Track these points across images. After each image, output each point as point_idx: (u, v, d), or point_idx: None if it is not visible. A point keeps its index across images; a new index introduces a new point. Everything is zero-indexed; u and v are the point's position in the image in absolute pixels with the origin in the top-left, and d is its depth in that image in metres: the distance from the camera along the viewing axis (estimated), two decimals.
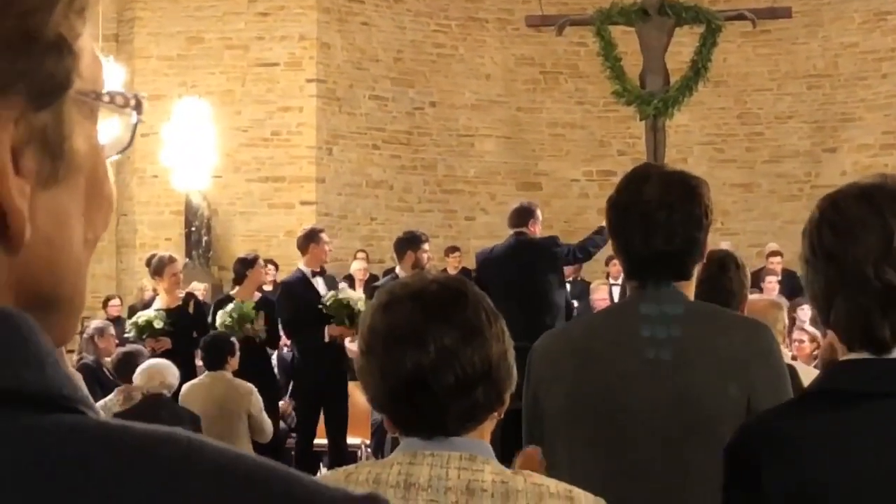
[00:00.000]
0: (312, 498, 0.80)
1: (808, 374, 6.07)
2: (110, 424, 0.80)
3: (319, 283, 12.29)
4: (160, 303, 12.47)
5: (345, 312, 11.81)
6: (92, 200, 0.86)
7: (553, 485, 2.58)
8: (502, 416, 2.65)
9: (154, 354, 11.37)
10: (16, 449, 0.76)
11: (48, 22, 0.82)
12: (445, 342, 2.53)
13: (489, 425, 2.65)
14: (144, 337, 11.87)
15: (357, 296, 12.05)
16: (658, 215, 3.68)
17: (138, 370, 9.60)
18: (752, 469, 2.62)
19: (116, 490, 0.76)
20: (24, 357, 0.78)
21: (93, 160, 0.89)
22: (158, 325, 11.98)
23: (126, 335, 12.12)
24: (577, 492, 2.59)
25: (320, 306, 11.85)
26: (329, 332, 11.90)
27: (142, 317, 12.04)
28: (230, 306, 12.09)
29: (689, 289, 3.78)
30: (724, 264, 5.38)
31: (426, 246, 12.52)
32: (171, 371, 9.50)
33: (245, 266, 12.84)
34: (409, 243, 12.34)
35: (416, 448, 2.58)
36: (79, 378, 9.60)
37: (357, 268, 18.01)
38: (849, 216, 2.56)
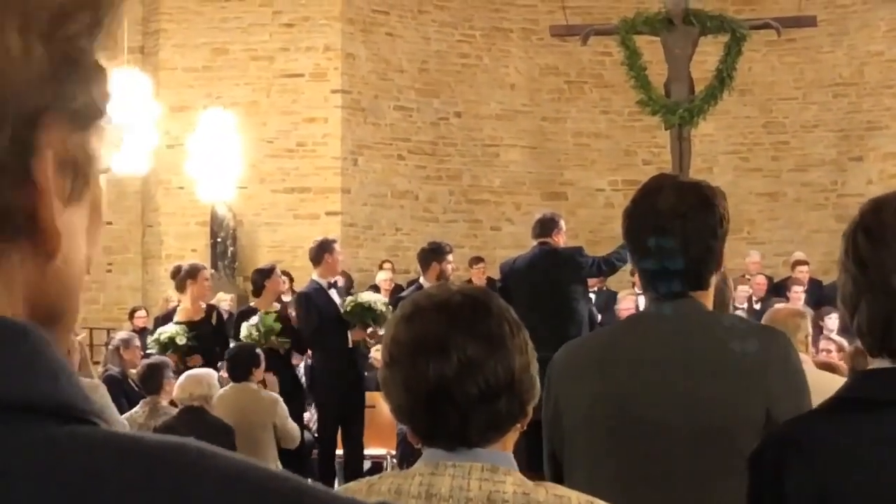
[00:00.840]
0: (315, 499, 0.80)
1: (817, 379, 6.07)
2: (122, 435, 0.81)
3: (334, 295, 12.30)
4: (180, 315, 12.48)
5: (367, 315, 11.84)
6: (94, 220, 0.87)
7: (575, 497, 2.57)
8: (526, 427, 2.65)
9: (176, 370, 11.44)
10: (31, 459, 0.76)
11: (91, 49, 0.84)
12: (469, 353, 2.52)
13: (512, 436, 2.64)
14: (168, 353, 11.89)
15: (376, 297, 12.06)
16: (673, 225, 3.69)
17: (178, 382, 9.66)
18: (775, 477, 2.63)
19: (129, 499, 0.77)
20: (38, 370, 0.79)
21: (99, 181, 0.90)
22: (181, 341, 11.99)
23: (148, 351, 12.14)
24: (599, 503, 2.59)
25: (343, 309, 11.87)
26: (352, 336, 11.91)
27: (164, 333, 12.06)
28: (254, 319, 12.09)
29: (707, 298, 3.77)
30: (727, 282, 5.40)
31: (450, 257, 12.54)
32: (209, 382, 9.55)
33: (263, 276, 12.87)
34: (433, 254, 12.36)
35: (438, 459, 2.58)
36: (102, 389, 9.65)
37: (382, 278, 18.06)
38: (885, 223, 2.56)
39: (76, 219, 0.84)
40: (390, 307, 12.51)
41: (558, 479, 3.61)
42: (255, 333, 11.88)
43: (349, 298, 12.03)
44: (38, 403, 0.79)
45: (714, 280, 3.82)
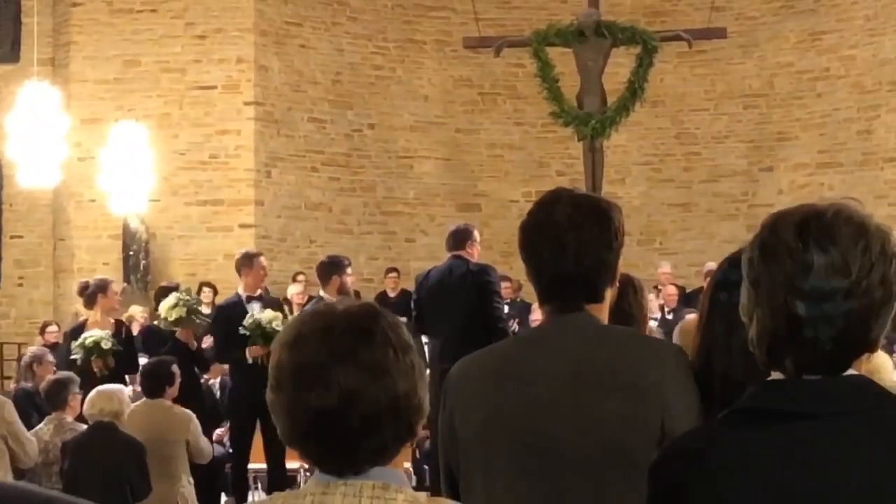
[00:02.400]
0: None
1: None
2: None
3: (255, 307, 12.24)
4: (90, 330, 12.39)
5: (259, 332, 11.82)
6: None
7: None
8: (414, 443, 2.66)
9: (100, 375, 11.37)
10: None
11: None
12: (350, 384, 2.52)
13: (403, 453, 2.64)
14: (94, 357, 11.84)
15: (271, 316, 11.99)
16: (568, 236, 3.70)
17: (88, 397, 9.54)
18: (675, 489, 2.64)
19: None
20: None
21: None
22: (107, 345, 12.00)
23: (73, 356, 12.00)
24: None
25: (242, 327, 11.83)
26: (249, 353, 11.88)
27: (89, 338, 11.99)
28: (173, 297, 12.08)
29: (602, 312, 3.79)
30: (623, 288, 5.41)
31: (349, 270, 12.55)
32: (120, 398, 9.44)
33: (160, 295, 12.87)
34: (333, 268, 12.37)
35: (329, 479, 2.58)
36: (9, 405, 9.55)
37: (294, 291, 17.95)
38: (780, 239, 2.59)
39: None
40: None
41: (454, 491, 3.63)
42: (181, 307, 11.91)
43: (248, 315, 11.96)
44: None
45: (609, 293, 3.82)
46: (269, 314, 11.99)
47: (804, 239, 2.55)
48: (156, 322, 13.53)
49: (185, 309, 12.01)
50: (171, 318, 11.95)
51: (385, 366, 2.55)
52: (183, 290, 12.24)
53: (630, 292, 5.42)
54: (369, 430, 2.55)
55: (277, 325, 11.86)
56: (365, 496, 2.54)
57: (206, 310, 15.06)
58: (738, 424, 2.65)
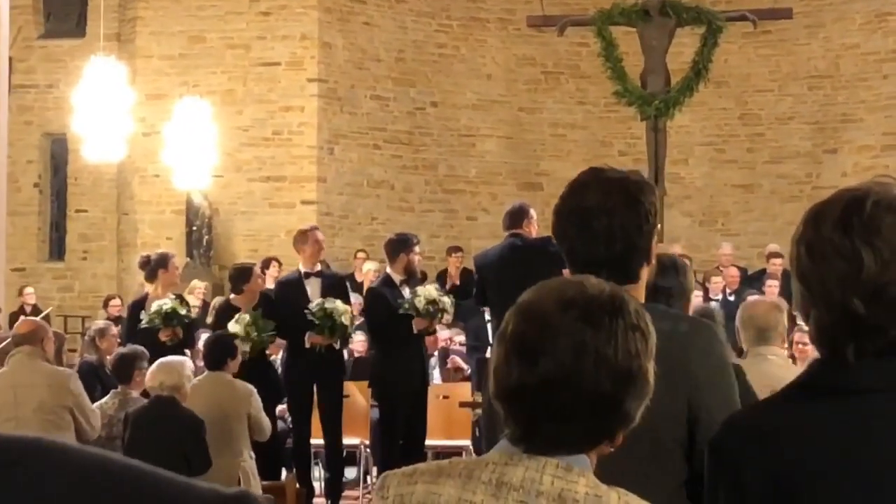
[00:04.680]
0: (184, 495, 0.80)
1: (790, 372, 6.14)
2: None
3: (313, 284, 12.18)
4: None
5: (328, 324, 11.73)
6: None
7: (635, 498, 2.56)
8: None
9: (169, 344, 11.44)
10: None
11: None
12: (555, 367, 2.52)
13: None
14: (174, 324, 11.91)
15: (342, 309, 11.86)
16: (598, 222, 3.72)
17: (151, 369, 9.55)
18: (734, 464, 2.63)
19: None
20: None
21: None
22: (183, 311, 12.07)
23: (146, 324, 12.02)
24: None
25: (310, 312, 11.76)
26: (310, 339, 11.83)
27: (166, 304, 12.02)
28: (245, 318, 11.91)
29: (638, 291, 3.78)
30: (664, 269, 5.41)
31: (417, 248, 12.52)
32: (181, 371, 9.42)
33: (239, 280, 12.71)
34: (401, 245, 12.33)
35: (514, 451, 2.55)
36: (75, 378, 9.61)
37: (370, 268, 17.69)
38: (824, 238, 2.57)
39: None
40: (356, 318, 12.53)
41: None
42: (252, 333, 11.75)
43: (317, 301, 11.83)
44: None
45: (644, 272, 3.83)
46: (340, 305, 11.91)
47: (849, 236, 2.54)
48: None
49: (254, 331, 11.87)
50: (239, 331, 11.82)
51: (601, 361, 2.51)
52: (251, 314, 12.04)
53: (672, 273, 5.42)
54: (562, 418, 2.52)
55: (346, 319, 11.82)
56: (547, 474, 2.51)
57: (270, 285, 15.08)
58: (795, 400, 2.66)
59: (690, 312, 7.23)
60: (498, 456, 2.56)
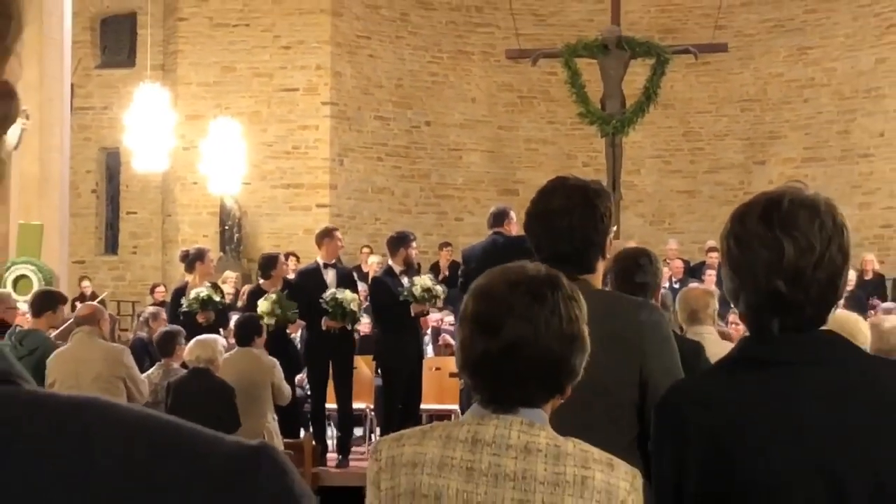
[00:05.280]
0: (213, 443, 0.80)
1: (719, 346, 6.20)
2: (39, 393, 0.80)
3: (330, 275, 12.19)
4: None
5: (339, 310, 11.76)
6: (6, 197, 0.88)
7: (597, 452, 2.56)
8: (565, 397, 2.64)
9: (205, 325, 11.45)
10: None
11: (3, 63, 0.84)
12: (514, 335, 2.51)
13: (551, 404, 2.63)
14: (210, 309, 11.94)
15: (350, 297, 11.88)
16: (560, 222, 3.75)
17: (189, 345, 9.59)
18: (677, 422, 2.64)
19: (41, 444, 0.77)
20: None
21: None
22: (217, 298, 12.11)
23: (185, 310, 12.04)
24: (616, 460, 2.58)
25: (323, 300, 11.75)
26: (325, 323, 11.81)
27: (202, 292, 12.04)
28: (271, 299, 11.92)
29: (596, 280, 3.84)
30: (638, 260, 5.45)
31: (414, 244, 12.52)
32: (214, 346, 9.46)
33: (266, 267, 12.77)
34: (400, 241, 12.32)
35: (484, 413, 2.56)
36: (127, 352, 9.59)
37: (374, 261, 17.76)
38: (750, 231, 2.60)
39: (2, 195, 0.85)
40: (364, 303, 12.53)
41: None
42: (277, 310, 11.76)
43: (330, 292, 11.84)
44: None
45: (601, 265, 3.86)
46: (349, 295, 11.91)
47: (771, 229, 2.57)
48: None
49: (279, 308, 11.89)
50: (264, 312, 11.82)
51: (549, 327, 2.51)
52: (274, 294, 12.06)
53: (645, 263, 5.43)
54: (522, 378, 2.52)
55: (355, 306, 11.84)
56: (514, 430, 2.52)
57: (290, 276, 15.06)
58: (729, 371, 2.67)
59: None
60: (471, 418, 2.57)
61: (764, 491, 2.55)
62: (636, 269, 5.35)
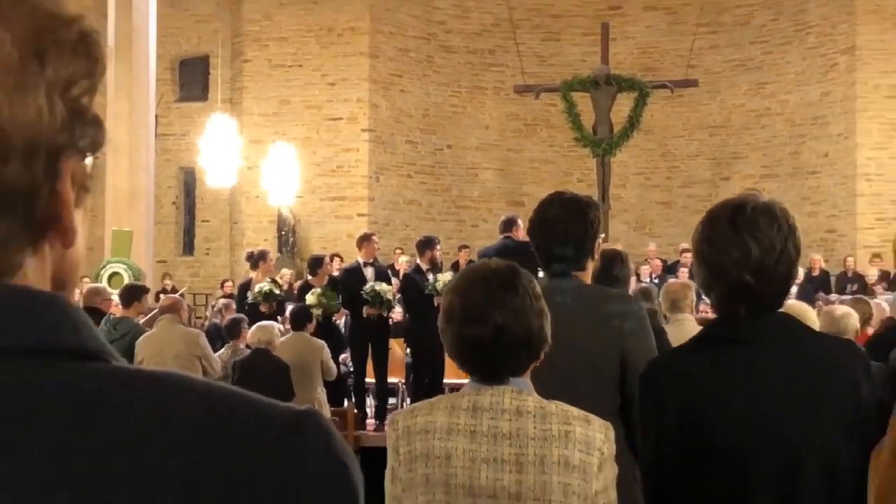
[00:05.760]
0: (267, 410, 0.80)
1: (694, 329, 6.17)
2: (128, 367, 0.82)
3: (369, 272, 12.23)
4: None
5: (378, 299, 11.80)
6: (87, 218, 0.88)
7: (575, 411, 2.57)
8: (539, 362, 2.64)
9: (266, 313, 11.49)
10: (60, 383, 0.78)
11: (90, 101, 0.84)
12: (500, 321, 2.51)
13: (530, 370, 2.64)
14: (270, 301, 11.99)
15: (386, 289, 11.94)
16: (557, 228, 3.77)
17: (251, 330, 9.61)
18: (657, 393, 2.65)
19: (128, 408, 0.78)
20: (65, 325, 0.81)
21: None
22: (277, 292, 12.16)
23: (251, 301, 12.11)
24: (592, 416, 2.58)
25: (362, 293, 11.80)
26: (366, 311, 11.84)
27: (265, 287, 12.12)
28: (318, 291, 12.00)
29: (586, 276, 3.85)
30: (613, 260, 5.53)
31: (438, 246, 12.54)
32: (272, 331, 9.48)
33: (314, 266, 12.88)
34: (427, 244, 12.33)
35: (480, 386, 2.57)
36: (202, 335, 9.61)
37: (403, 260, 17.76)
38: (720, 233, 2.63)
39: (79, 218, 0.85)
40: (396, 295, 12.53)
41: None
42: (322, 301, 11.82)
43: (370, 285, 11.89)
44: (64, 348, 0.80)
45: (591, 264, 3.88)
46: (384, 287, 11.96)
47: (738, 232, 2.60)
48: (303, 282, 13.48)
49: (323, 300, 11.93)
50: (312, 302, 11.86)
51: (524, 309, 2.53)
52: (321, 290, 12.13)
53: (618, 263, 5.49)
54: (511, 353, 2.54)
55: (389, 295, 11.90)
56: (506, 397, 2.53)
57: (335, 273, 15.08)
58: (705, 348, 2.67)
59: (632, 290, 7.31)
60: (470, 390, 2.59)
61: (732, 447, 2.55)
62: (612, 266, 5.42)
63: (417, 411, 2.60)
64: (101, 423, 0.77)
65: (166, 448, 0.77)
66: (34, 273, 0.82)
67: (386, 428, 2.71)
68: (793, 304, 5.61)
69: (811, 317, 5.42)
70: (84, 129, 0.83)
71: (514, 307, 2.51)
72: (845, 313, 6.43)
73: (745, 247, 2.56)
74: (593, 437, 2.52)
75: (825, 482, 2.54)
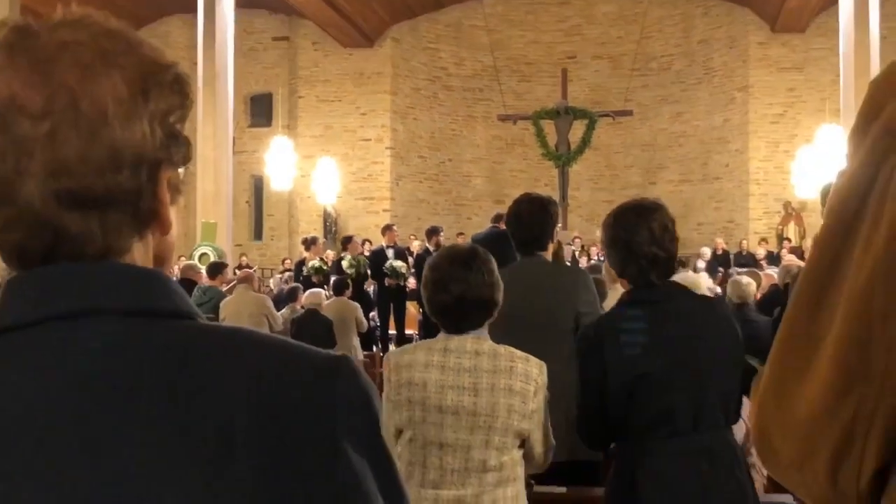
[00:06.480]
0: (312, 356, 0.81)
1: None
2: (209, 324, 0.82)
3: (390, 252, 12.27)
4: (309, 262, 12.52)
5: (395, 273, 11.87)
6: (180, 212, 0.88)
7: (518, 353, 2.55)
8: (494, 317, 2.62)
9: (316, 282, 11.49)
10: (159, 335, 0.78)
11: (181, 129, 0.85)
12: (460, 291, 2.50)
13: (486, 324, 2.62)
14: (319, 274, 12.05)
15: (400, 265, 12.03)
16: (527, 220, 3.75)
17: (304, 295, 9.62)
18: (595, 345, 2.62)
19: (210, 353, 0.78)
20: (166, 294, 0.81)
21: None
22: (324, 267, 12.20)
23: (305, 274, 12.18)
24: (531, 357, 2.55)
25: (384, 268, 11.86)
26: (388, 281, 11.94)
27: (315, 264, 12.18)
28: (348, 258, 12.15)
29: (547, 255, 3.82)
30: (561, 246, 5.61)
31: (442, 234, 12.55)
32: (320, 296, 9.50)
33: (345, 242, 13.02)
34: (433, 232, 12.34)
35: (449, 335, 2.56)
36: (268, 299, 9.59)
37: (416, 244, 17.76)
38: (623, 225, 2.65)
39: (174, 213, 0.85)
40: (410, 269, 12.54)
41: None
42: (353, 263, 11.99)
43: (389, 263, 12.00)
44: (162, 310, 0.80)
45: (551, 246, 3.84)
46: (399, 263, 12.04)
47: (644, 219, 2.63)
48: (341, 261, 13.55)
49: (355, 265, 12.02)
50: (347, 268, 11.91)
51: (479, 281, 2.50)
52: (351, 255, 12.22)
53: (561, 251, 5.52)
54: (470, 314, 2.52)
55: (404, 270, 11.97)
56: (468, 343, 2.52)
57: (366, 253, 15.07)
58: (628, 308, 2.65)
59: (584, 265, 7.23)
60: (442, 336, 2.57)
61: (655, 380, 2.53)
62: (559, 251, 5.46)
63: (404, 351, 2.59)
64: (190, 365, 0.77)
65: (240, 381, 0.77)
66: (140, 255, 0.82)
67: (383, 363, 2.70)
68: (688, 275, 5.57)
69: (702, 285, 5.39)
70: (177, 148, 0.84)
71: (470, 281, 2.49)
72: (748, 282, 6.42)
73: (649, 228, 2.58)
74: (531, 371, 2.51)
75: (720, 402, 2.55)
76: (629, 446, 2.56)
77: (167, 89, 0.82)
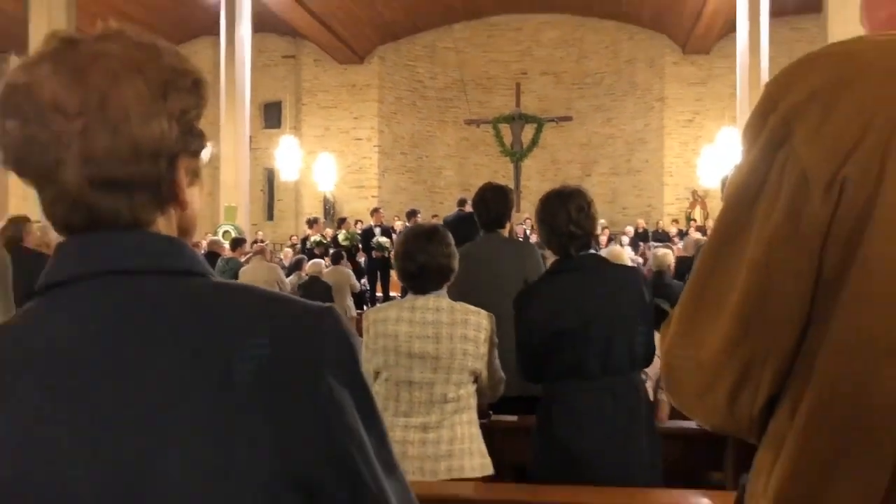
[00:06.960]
0: (303, 305, 0.80)
1: None
2: (220, 281, 0.81)
3: (378, 231, 12.22)
4: (311, 238, 12.41)
5: (381, 248, 11.82)
6: (201, 193, 0.89)
7: (472, 307, 2.54)
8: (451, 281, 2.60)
9: (318, 254, 11.41)
10: (174, 288, 0.78)
11: (197, 124, 0.83)
12: (422, 261, 2.48)
13: (445, 286, 2.61)
14: (321, 247, 11.93)
15: (386, 241, 11.96)
16: (490, 205, 3.68)
17: (307, 264, 9.52)
18: (526, 305, 2.59)
19: (220, 303, 0.78)
20: (186, 257, 0.81)
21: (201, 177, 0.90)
22: (325, 242, 12.13)
23: (309, 247, 12.07)
24: (482, 310, 2.55)
25: (372, 243, 11.80)
26: (375, 254, 11.92)
27: (316, 239, 12.10)
28: (343, 233, 12.07)
29: (504, 232, 3.76)
30: (513, 228, 5.49)
31: (419, 216, 12.50)
32: (321, 265, 9.41)
33: (341, 222, 12.91)
34: (412, 214, 12.32)
35: (415, 296, 2.55)
36: (278, 268, 9.52)
37: (399, 224, 17.63)
38: (554, 203, 2.59)
39: (193, 192, 0.84)
40: (391, 245, 12.50)
41: None
42: (347, 236, 11.93)
43: (376, 239, 11.94)
44: (177, 269, 0.80)
45: (508, 225, 3.80)
46: (384, 239, 11.99)
47: (562, 202, 2.56)
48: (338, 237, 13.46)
49: (349, 238, 11.95)
50: (343, 240, 11.84)
51: (438, 252, 2.49)
52: (346, 230, 12.14)
53: (512, 231, 5.46)
54: (431, 279, 2.50)
55: (389, 245, 11.88)
56: (430, 301, 2.51)
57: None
58: (549, 276, 2.64)
59: (533, 241, 7.14)
60: (410, 296, 2.55)
61: (569, 334, 2.51)
62: (512, 230, 5.38)
63: (379, 309, 2.58)
64: (202, 312, 0.76)
65: (243, 324, 0.76)
66: (163, 226, 0.82)
67: (362, 318, 2.67)
68: (612, 249, 5.56)
69: (626, 257, 5.43)
70: (193, 140, 0.83)
71: (431, 252, 2.48)
72: (664, 253, 6.40)
73: (567, 210, 2.55)
74: (481, 322, 2.51)
75: (627, 351, 2.56)
76: (550, 386, 2.59)
77: (185, 92, 0.80)
